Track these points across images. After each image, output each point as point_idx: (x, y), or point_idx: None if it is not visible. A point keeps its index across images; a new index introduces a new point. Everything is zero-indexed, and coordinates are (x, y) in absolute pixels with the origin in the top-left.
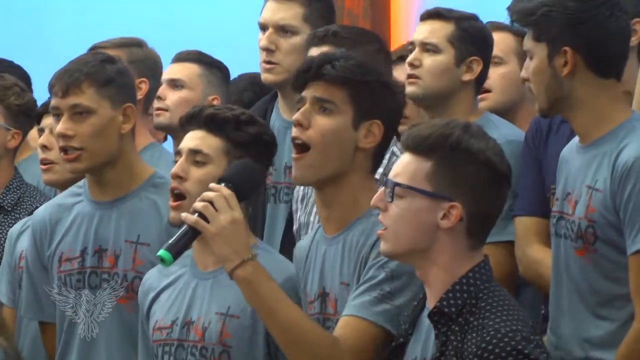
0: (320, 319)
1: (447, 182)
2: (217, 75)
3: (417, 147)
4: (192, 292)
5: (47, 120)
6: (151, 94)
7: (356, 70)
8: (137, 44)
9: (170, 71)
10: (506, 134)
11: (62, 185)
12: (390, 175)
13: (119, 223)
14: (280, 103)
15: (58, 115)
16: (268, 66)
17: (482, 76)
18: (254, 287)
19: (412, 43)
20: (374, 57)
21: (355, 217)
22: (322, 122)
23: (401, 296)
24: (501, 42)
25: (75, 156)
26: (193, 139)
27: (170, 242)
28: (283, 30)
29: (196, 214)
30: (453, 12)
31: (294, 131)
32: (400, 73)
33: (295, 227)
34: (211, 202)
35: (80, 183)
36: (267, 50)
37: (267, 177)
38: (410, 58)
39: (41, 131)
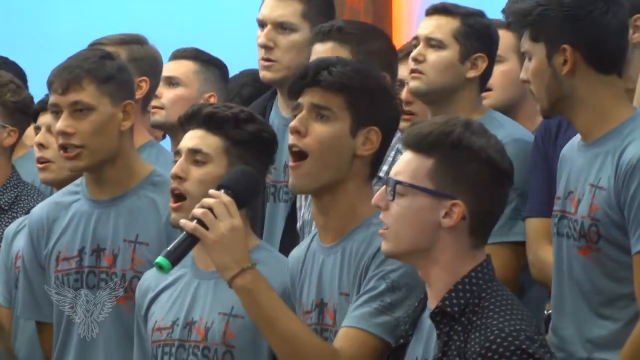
0: (318, 329)
1: (449, 179)
2: (214, 72)
3: (418, 145)
4: (193, 292)
5: (44, 118)
6: (151, 93)
7: (353, 76)
8: (138, 41)
9: (166, 69)
10: (512, 132)
11: (59, 184)
12: (391, 174)
13: (117, 222)
14: (279, 101)
15: (57, 113)
16: (266, 63)
17: (487, 73)
18: (253, 296)
19: (416, 38)
20: (380, 54)
21: (354, 226)
22: (319, 129)
23: (401, 308)
24: (500, 39)
25: (75, 154)
26: (192, 138)
27: (168, 249)
28: (282, 27)
29: (195, 221)
30: (459, 8)
31: (291, 139)
32: (405, 70)
33: (299, 225)
34: (210, 209)
35: (78, 181)
36: (265, 47)
37: (267, 176)
38: (414, 53)
39: (37, 129)
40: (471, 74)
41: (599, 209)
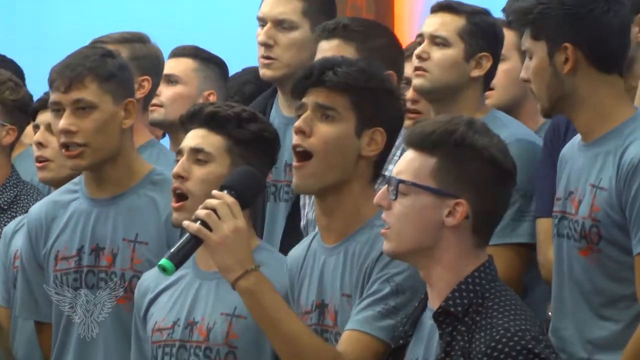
0: (318, 330)
1: (452, 178)
2: (214, 70)
3: (420, 144)
4: (195, 292)
5: (43, 117)
6: (153, 92)
7: (359, 77)
8: (140, 39)
9: (165, 66)
10: (515, 132)
11: (58, 183)
12: (393, 173)
13: (116, 221)
14: (280, 99)
15: (58, 111)
16: (266, 61)
17: (491, 72)
18: (256, 298)
19: (421, 35)
20: (385, 51)
21: (358, 227)
22: (324, 129)
23: (405, 311)
24: None
25: (78, 152)
26: (194, 137)
27: (171, 251)
28: (282, 24)
29: (198, 222)
30: (465, 6)
31: (295, 139)
32: (411, 68)
33: (302, 223)
34: (214, 210)
35: (76, 180)
36: (265, 45)
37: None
38: (418, 50)
39: (36, 127)
40: (475, 73)
41: (599, 209)
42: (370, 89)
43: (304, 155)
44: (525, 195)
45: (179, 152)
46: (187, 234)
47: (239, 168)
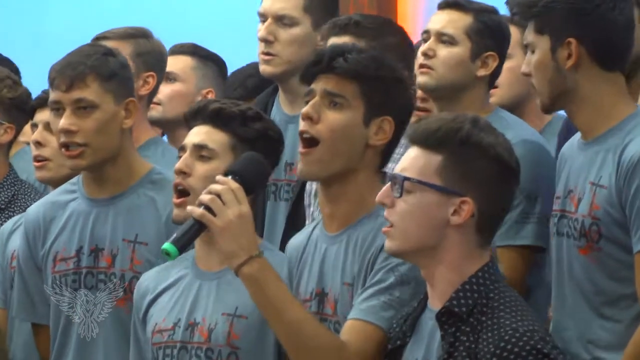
0: (317, 319)
1: (458, 176)
2: (212, 68)
3: (425, 141)
4: (195, 293)
5: (41, 115)
6: (157, 88)
7: (369, 65)
8: (144, 34)
9: None
10: (520, 133)
11: (56, 183)
12: (397, 170)
13: (116, 221)
14: (280, 97)
15: (58, 110)
16: (266, 57)
17: (497, 72)
18: (260, 285)
19: (427, 32)
20: (396, 49)
21: (362, 215)
22: (332, 116)
23: (409, 305)
24: None
25: (78, 152)
26: (198, 134)
27: (175, 235)
28: (282, 20)
29: (202, 207)
30: (473, 4)
31: (302, 125)
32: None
33: (307, 223)
34: (218, 195)
35: (74, 180)
36: (265, 41)
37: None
38: (424, 47)
39: (34, 126)
40: (481, 72)
41: (599, 207)
42: (380, 77)
43: (310, 141)
44: (530, 196)
45: (182, 149)
46: (191, 219)
47: (245, 153)
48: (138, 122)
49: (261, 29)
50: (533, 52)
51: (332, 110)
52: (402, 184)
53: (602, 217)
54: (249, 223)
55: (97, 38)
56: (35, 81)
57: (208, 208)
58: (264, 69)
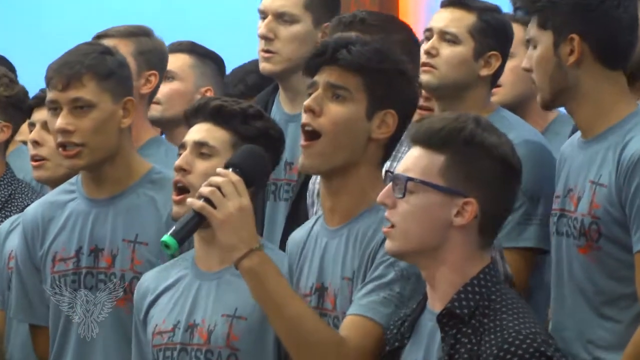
0: (317, 313)
1: (461, 177)
2: (210, 66)
3: (428, 141)
4: (195, 293)
5: (38, 114)
6: (158, 87)
7: (373, 57)
8: (146, 33)
9: None
10: (522, 133)
11: (54, 183)
12: (400, 170)
13: (115, 221)
14: (281, 95)
15: (55, 109)
16: (266, 55)
17: (499, 71)
18: (260, 278)
19: (429, 30)
20: (402, 46)
21: (363, 209)
22: (334, 109)
23: (410, 299)
24: None
25: (75, 152)
26: (199, 131)
27: (175, 228)
28: (282, 18)
29: (202, 199)
30: (476, 2)
31: (305, 117)
32: None
33: None
34: (218, 188)
35: (73, 180)
36: (265, 38)
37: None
38: (427, 46)
39: (32, 125)
40: (484, 72)
41: (599, 206)
42: (383, 70)
43: (312, 134)
44: (532, 198)
45: (182, 146)
46: (191, 211)
47: (245, 146)
48: (139, 122)
49: (261, 27)
50: (535, 47)
51: (334, 103)
52: (405, 184)
53: (602, 216)
54: (250, 216)
55: (98, 36)
56: (33, 80)
57: (208, 200)
58: (264, 66)
